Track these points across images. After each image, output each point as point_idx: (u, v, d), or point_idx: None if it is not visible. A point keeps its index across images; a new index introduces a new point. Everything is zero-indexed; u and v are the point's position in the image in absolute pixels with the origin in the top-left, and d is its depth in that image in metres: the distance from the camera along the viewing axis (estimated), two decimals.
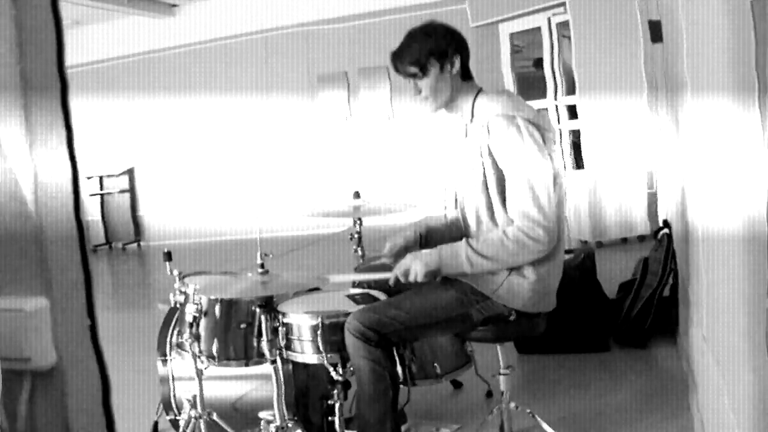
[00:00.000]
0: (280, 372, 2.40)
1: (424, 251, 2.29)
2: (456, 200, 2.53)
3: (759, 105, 1.22)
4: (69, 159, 0.95)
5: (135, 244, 9.72)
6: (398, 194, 7.88)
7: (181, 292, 2.52)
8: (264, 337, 2.36)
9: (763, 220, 1.24)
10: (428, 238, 2.53)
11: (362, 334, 2.19)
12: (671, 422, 2.78)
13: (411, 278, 2.26)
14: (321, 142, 8.69)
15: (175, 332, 2.69)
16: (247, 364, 2.50)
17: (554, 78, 6.90)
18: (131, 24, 9.30)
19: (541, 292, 2.28)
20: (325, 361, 2.33)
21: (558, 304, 2.39)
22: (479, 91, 2.37)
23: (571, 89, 6.70)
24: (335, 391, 2.38)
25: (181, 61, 9.33)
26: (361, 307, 2.33)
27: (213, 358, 2.48)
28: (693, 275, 2.56)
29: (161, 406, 2.84)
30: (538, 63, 7.21)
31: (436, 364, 2.55)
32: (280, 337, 2.39)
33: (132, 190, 9.81)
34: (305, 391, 2.62)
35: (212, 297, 2.47)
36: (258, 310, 2.38)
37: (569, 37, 6.47)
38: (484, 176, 2.26)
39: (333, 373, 2.35)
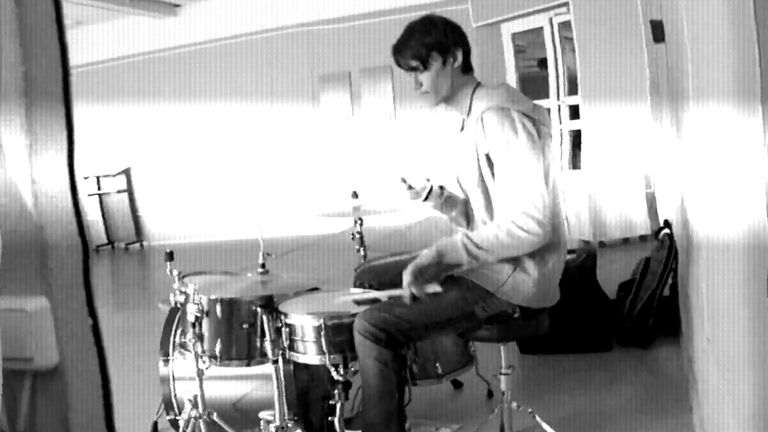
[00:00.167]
0: (281, 372, 2.40)
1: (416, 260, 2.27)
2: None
3: (762, 111, 1.21)
4: (68, 159, 0.95)
5: (137, 244, 9.73)
6: (400, 194, 7.87)
7: (181, 292, 2.52)
8: (267, 338, 2.36)
9: (764, 226, 1.24)
10: (441, 191, 2.52)
11: (371, 334, 2.19)
12: (672, 422, 2.77)
13: (418, 283, 2.23)
14: (323, 142, 8.69)
15: (179, 332, 2.69)
16: (248, 364, 2.50)
17: (557, 78, 6.90)
18: (133, 24, 9.31)
19: (544, 288, 2.28)
20: (327, 362, 2.33)
21: (559, 304, 2.39)
22: (477, 84, 2.37)
23: (573, 89, 6.70)
24: (336, 392, 2.38)
25: (183, 62, 9.33)
26: (364, 307, 2.33)
27: (215, 358, 2.48)
28: (694, 278, 2.56)
29: (162, 406, 2.84)
30: (543, 63, 7.21)
31: (437, 364, 2.55)
32: (284, 337, 2.39)
33: (129, 190, 9.81)
34: (306, 391, 2.62)
35: (212, 297, 2.47)
36: (259, 310, 2.38)
37: (570, 38, 6.47)
38: (480, 170, 2.26)
39: (334, 374, 2.35)
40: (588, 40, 6.21)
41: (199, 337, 2.47)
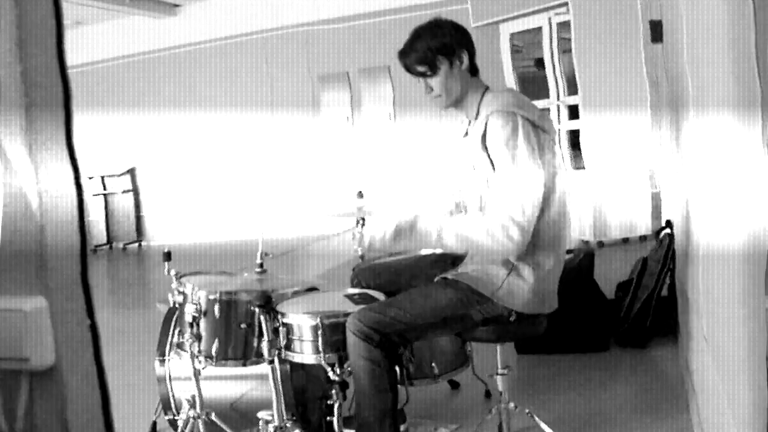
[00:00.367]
0: (278, 372, 2.40)
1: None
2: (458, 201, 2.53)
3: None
4: (71, 159, 0.95)
5: (135, 245, 9.73)
6: (402, 194, 7.89)
7: (179, 292, 2.52)
8: (265, 337, 2.37)
9: (763, 234, 1.24)
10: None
11: (364, 333, 2.19)
12: (670, 422, 2.78)
13: (377, 241, 2.26)
14: (323, 142, 8.69)
15: (176, 332, 2.70)
16: (244, 364, 2.51)
17: (555, 78, 6.90)
18: (133, 24, 9.31)
19: (540, 294, 2.28)
20: (323, 361, 2.34)
21: (557, 304, 2.39)
22: (486, 89, 2.37)
23: (572, 89, 6.71)
24: (333, 391, 2.39)
25: (182, 62, 9.33)
26: (360, 307, 2.33)
27: (211, 358, 2.48)
28: (692, 278, 2.56)
29: (160, 406, 2.84)
30: (540, 63, 7.22)
31: (433, 364, 2.55)
32: (281, 337, 2.39)
33: (135, 190, 9.82)
34: (303, 391, 2.62)
35: (211, 297, 2.48)
36: (257, 310, 2.39)
37: (568, 39, 6.48)
38: (484, 173, 2.26)
39: (330, 373, 2.35)
40: (587, 40, 6.22)
41: (197, 337, 2.47)
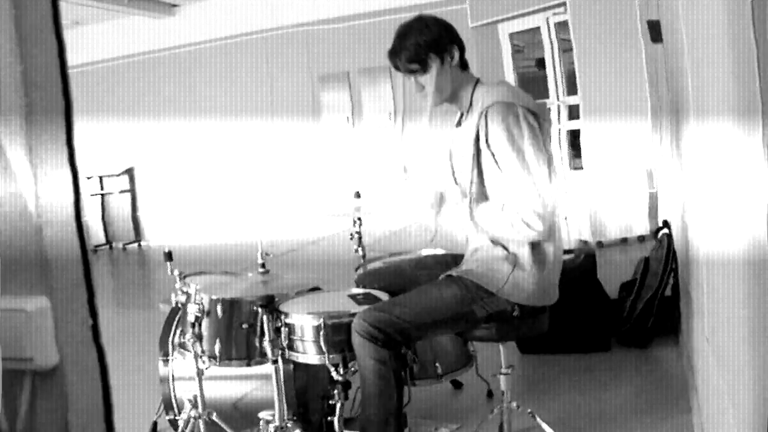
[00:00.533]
0: (281, 372, 2.40)
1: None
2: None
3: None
4: (69, 159, 0.95)
5: (135, 245, 9.73)
6: (402, 194, 7.88)
7: (182, 292, 2.52)
8: (267, 337, 2.36)
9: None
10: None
11: (370, 333, 2.19)
12: (672, 422, 2.77)
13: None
14: (322, 143, 8.69)
15: (178, 332, 2.69)
16: (248, 364, 2.50)
17: (555, 78, 6.91)
18: (131, 24, 9.31)
19: (543, 285, 2.29)
20: (327, 362, 2.33)
21: (559, 303, 2.39)
22: (477, 81, 2.37)
23: (572, 89, 6.71)
24: (336, 391, 2.38)
25: (181, 62, 9.33)
26: (364, 307, 2.32)
27: (215, 358, 2.47)
28: (694, 278, 2.56)
29: (161, 406, 2.84)
30: (541, 63, 7.22)
31: (437, 364, 2.54)
32: (283, 337, 2.38)
33: (132, 190, 9.81)
34: (305, 391, 2.61)
35: (214, 297, 2.47)
36: (260, 310, 2.38)
37: (567, 39, 6.48)
38: (480, 165, 2.26)
39: (334, 373, 2.35)
40: (585, 40, 6.22)
41: (198, 337, 2.47)
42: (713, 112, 1.67)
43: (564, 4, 6.42)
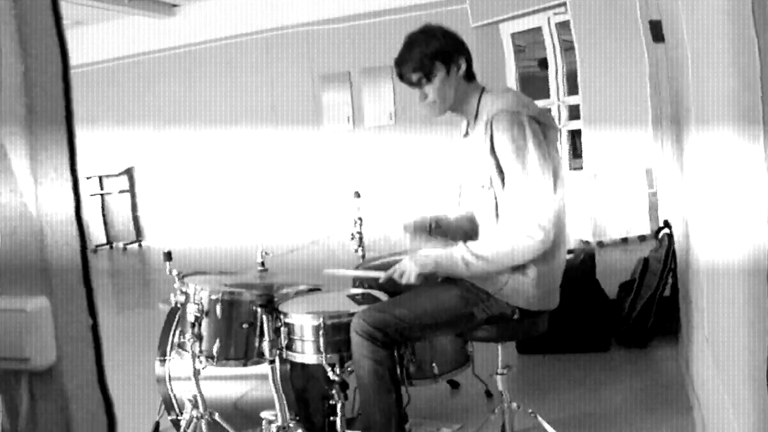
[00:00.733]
0: (278, 372, 2.40)
1: (420, 253, 2.29)
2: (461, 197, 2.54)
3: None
4: (70, 158, 0.95)
5: (136, 245, 9.73)
6: (403, 194, 7.89)
7: (181, 292, 2.52)
8: (266, 337, 2.36)
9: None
10: (438, 225, 2.54)
11: (368, 333, 2.19)
12: (671, 422, 2.78)
13: (404, 280, 2.27)
14: (323, 143, 8.69)
15: (177, 332, 2.69)
16: (245, 364, 2.50)
17: (556, 78, 6.91)
18: (132, 24, 9.31)
19: (543, 290, 2.28)
20: (324, 362, 2.33)
21: (559, 303, 2.39)
22: (483, 90, 2.36)
23: (572, 89, 6.71)
24: (334, 391, 2.39)
25: (182, 62, 9.33)
26: (363, 307, 2.32)
27: (212, 358, 2.48)
28: (694, 278, 2.56)
29: (162, 406, 2.84)
30: (543, 63, 7.22)
31: (434, 364, 2.55)
32: (282, 337, 2.39)
33: (132, 191, 9.82)
34: (303, 391, 2.62)
35: (213, 297, 2.47)
36: (259, 309, 2.38)
37: (568, 39, 6.48)
38: (488, 174, 2.26)
39: (330, 373, 2.35)
40: (586, 39, 6.22)
41: (198, 337, 2.47)
42: (714, 121, 1.67)
43: (564, 3, 6.43)
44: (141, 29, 9.30)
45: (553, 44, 6.89)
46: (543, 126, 2.23)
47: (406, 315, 2.23)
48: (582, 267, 3.65)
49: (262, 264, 2.50)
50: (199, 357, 2.48)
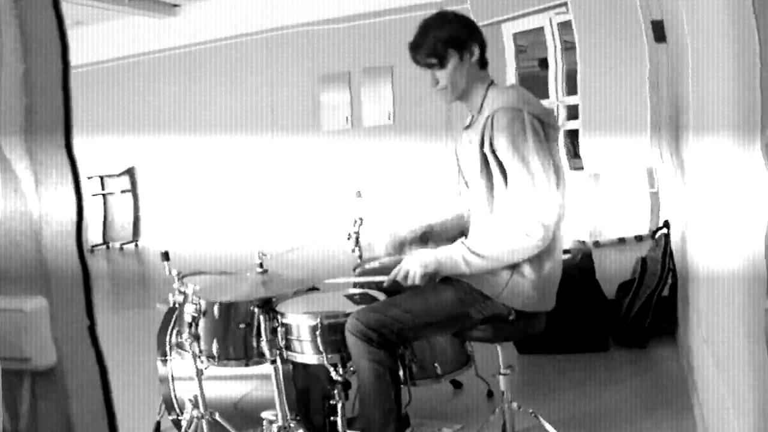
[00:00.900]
0: (280, 372, 2.40)
1: (421, 252, 2.30)
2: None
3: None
4: (69, 158, 0.95)
5: (132, 244, 9.72)
6: (403, 194, 7.88)
7: (180, 292, 2.52)
8: (263, 338, 2.36)
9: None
10: (430, 233, 2.54)
11: (363, 334, 2.19)
12: (671, 421, 2.78)
13: (409, 282, 2.26)
14: (323, 143, 8.68)
15: (174, 332, 2.69)
16: (247, 364, 2.50)
17: (556, 78, 6.91)
18: (133, 24, 9.30)
19: (541, 292, 2.28)
20: (325, 362, 2.33)
21: (557, 304, 2.39)
22: (491, 83, 2.36)
23: (572, 89, 6.71)
24: (336, 391, 2.38)
25: (183, 62, 9.33)
26: (361, 307, 2.32)
27: (213, 357, 2.48)
28: (693, 280, 2.56)
29: (163, 406, 2.84)
30: (544, 63, 7.22)
31: (436, 364, 2.55)
32: (280, 337, 2.38)
33: (133, 191, 9.81)
34: (306, 391, 2.62)
35: (211, 297, 2.47)
36: (256, 310, 2.38)
37: (568, 40, 6.48)
38: (487, 168, 2.25)
39: (333, 373, 2.35)
40: (588, 39, 6.21)
41: (195, 337, 2.47)
42: (714, 125, 1.67)
43: (566, 3, 6.42)
44: (142, 29, 9.29)
45: (555, 44, 6.89)
46: (545, 124, 2.23)
47: (401, 315, 2.23)
48: (580, 267, 3.65)
49: (261, 265, 2.50)
50: (200, 357, 2.48)
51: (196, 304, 2.46)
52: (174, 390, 2.75)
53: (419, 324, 2.25)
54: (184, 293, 2.50)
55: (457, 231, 2.51)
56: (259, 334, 2.40)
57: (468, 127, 2.42)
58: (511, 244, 2.17)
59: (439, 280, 2.34)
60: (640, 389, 3.16)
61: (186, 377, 2.66)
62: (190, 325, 2.45)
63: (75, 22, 9.04)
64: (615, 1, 6.07)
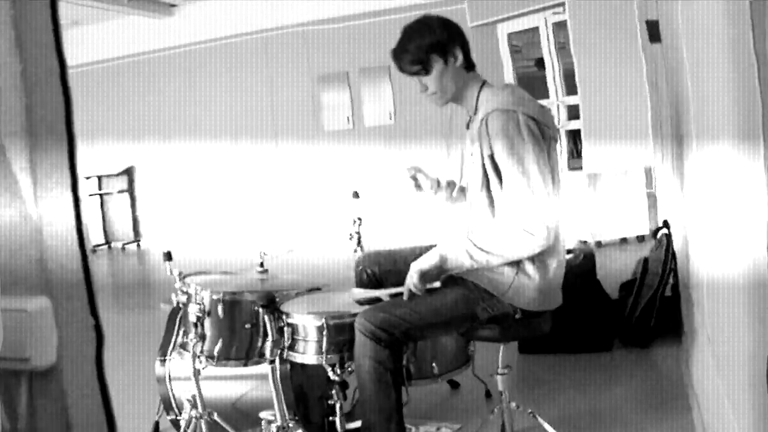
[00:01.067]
0: (278, 372, 2.39)
1: (420, 259, 2.29)
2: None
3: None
4: (70, 158, 0.95)
5: (134, 244, 9.72)
6: (402, 194, 7.88)
7: (183, 292, 2.51)
8: (269, 338, 2.35)
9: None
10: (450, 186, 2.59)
11: (373, 333, 2.18)
12: (672, 422, 2.78)
13: (421, 284, 2.25)
14: (322, 143, 8.68)
15: (181, 332, 2.69)
16: (245, 364, 2.50)
17: (554, 78, 6.92)
18: (130, 24, 9.30)
19: (545, 291, 2.28)
20: (324, 362, 2.33)
21: (562, 303, 2.39)
22: (484, 83, 2.36)
23: (571, 89, 6.71)
24: (334, 391, 2.38)
25: (180, 62, 9.32)
26: (366, 307, 2.32)
27: (212, 358, 2.47)
28: (695, 279, 2.56)
29: (161, 406, 2.84)
30: (540, 63, 7.22)
31: (434, 364, 2.54)
32: (286, 337, 2.38)
33: (131, 190, 9.81)
34: (303, 391, 2.61)
35: (215, 297, 2.47)
36: (261, 310, 2.38)
37: (563, 40, 6.49)
38: (484, 170, 2.25)
39: (330, 373, 2.35)
40: (585, 39, 6.22)
41: (201, 337, 2.46)
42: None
43: (562, 3, 6.43)
44: (140, 29, 9.29)
45: (549, 44, 6.90)
46: (540, 124, 2.22)
47: (409, 315, 2.22)
48: (583, 267, 3.65)
49: (261, 264, 2.49)
50: (199, 357, 2.47)
51: (200, 304, 2.45)
52: (172, 390, 2.74)
53: (427, 323, 2.25)
54: (186, 293, 2.49)
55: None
56: (265, 335, 2.39)
57: (468, 126, 2.42)
58: (515, 242, 2.17)
59: (444, 279, 2.34)
60: (641, 390, 3.16)
61: (186, 377, 2.66)
62: (196, 324, 2.45)
63: (73, 22, 9.04)
64: (611, 1, 6.08)
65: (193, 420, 2.54)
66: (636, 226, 6.26)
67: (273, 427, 2.42)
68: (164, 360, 2.75)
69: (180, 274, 2.52)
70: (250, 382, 2.70)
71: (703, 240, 2.15)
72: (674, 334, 3.61)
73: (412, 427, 2.79)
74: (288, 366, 2.49)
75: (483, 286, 2.26)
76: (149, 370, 2.80)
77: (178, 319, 2.76)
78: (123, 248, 9.64)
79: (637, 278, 3.88)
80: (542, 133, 2.22)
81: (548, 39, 6.91)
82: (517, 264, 2.24)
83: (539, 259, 2.24)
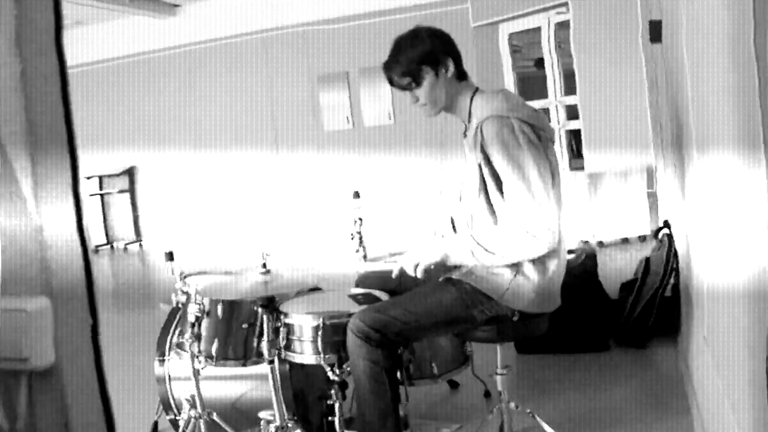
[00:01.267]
0: (277, 372, 2.40)
1: (427, 246, 2.30)
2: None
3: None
4: (70, 158, 0.95)
5: (136, 244, 9.73)
6: (402, 194, 7.88)
7: (183, 292, 2.52)
8: (265, 337, 2.36)
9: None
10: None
11: (365, 334, 2.19)
12: (671, 422, 2.78)
13: (419, 271, 2.26)
14: (322, 143, 8.69)
15: (177, 332, 2.69)
16: (244, 364, 2.50)
17: (554, 78, 6.91)
18: (133, 24, 9.31)
19: (544, 293, 2.28)
20: (323, 362, 2.33)
21: (560, 304, 2.39)
22: (476, 90, 2.36)
23: (571, 89, 6.71)
24: (333, 391, 2.39)
25: (183, 61, 9.33)
26: (363, 307, 2.32)
27: (211, 358, 2.48)
28: (695, 279, 2.56)
29: (160, 406, 2.84)
30: (540, 63, 7.22)
31: (433, 364, 2.55)
32: (281, 337, 2.39)
33: (132, 190, 9.82)
34: (302, 391, 2.62)
35: (214, 297, 2.47)
36: (260, 310, 2.38)
37: (566, 39, 6.48)
38: (482, 177, 2.25)
39: (330, 373, 2.35)
40: (587, 39, 6.22)
41: (197, 337, 2.47)
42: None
43: (566, 3, 6.43)
44: (142, 29, 9.30)
45: (550, 45, 6.89)
46: (535, 128, 2.22)
47: (404, 315, 2.22)
48: (584, 267, 3.65)
49: (264, 265, 2.50)
50: (198, 357, 2.48)
51: (199, 304, 2.46)
52: (171, 390, 2.75)
53: (422, 325, 2.25)
54: (187, 293, 2.50)
55: None
56: (261, 334, 2.40)
57: (465, 135, 2.42)
58: (519, 244, 2.17)
59: (441, 279, 2.34)
60: (640, 389, 3.16)
61: (185, 377, 2.66)
62: (193, 324, 2.46)
63: (75, 21, 9.05)
64: (614, 1, 6.08)
65: (192, 420, 2.54)
66: (637, 226, 6.26)
67: (272, 427, 2.42)
68: (163, 360, 2.75)
69: (181, 274, 2.52)
70: (249, 382, 2.71)
71: (704, 241, 2.16)
72: (673, 334, 3.61)
73: (412, 427, 2.80)
74: (287, 366, 2.50)
75: (480, 288, 2.26)
76: (148, 370, 2.80)
77: (175, 320, 2.76)
78: (125, 248, 9.65)
79: (638, 278, 3.88)
80: (538, 136, 2.22)
81: (549, 39, 6.91)
82: (516, 264, 2.24)
83: (539, 260, 2.24)
